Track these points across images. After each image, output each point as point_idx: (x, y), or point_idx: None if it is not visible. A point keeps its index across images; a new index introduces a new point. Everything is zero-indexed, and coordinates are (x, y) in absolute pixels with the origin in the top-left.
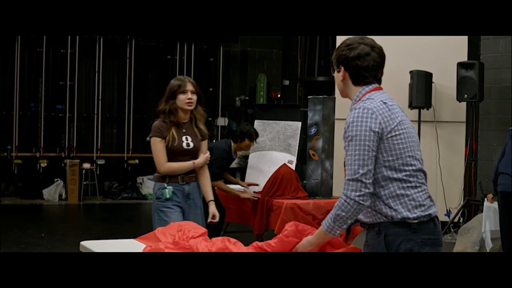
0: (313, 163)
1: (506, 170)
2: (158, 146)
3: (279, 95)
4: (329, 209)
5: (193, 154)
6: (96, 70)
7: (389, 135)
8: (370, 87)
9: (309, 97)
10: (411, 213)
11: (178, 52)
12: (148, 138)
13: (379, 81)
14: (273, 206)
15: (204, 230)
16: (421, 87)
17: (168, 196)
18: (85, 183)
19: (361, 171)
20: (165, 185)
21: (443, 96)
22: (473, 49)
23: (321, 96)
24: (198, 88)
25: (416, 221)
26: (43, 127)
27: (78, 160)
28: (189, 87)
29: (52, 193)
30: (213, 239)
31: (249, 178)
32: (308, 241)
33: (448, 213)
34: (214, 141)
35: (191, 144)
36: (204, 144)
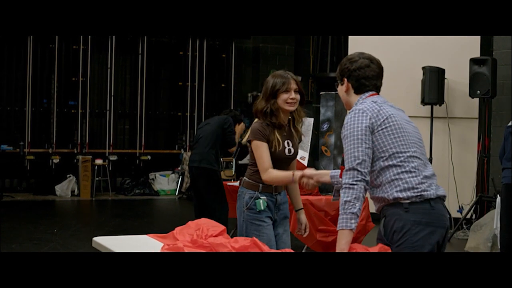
0: (325, 159)
1: (508, 164)
2: (261, 149)
3: None
4: None
5: (291, 161)
6: (109, 66)
7: (379, 128)
8: (366, 94)
9: (321, 93)
10: (401, 194)
11: (190, 48)
12: (246, 142)
13: (378, 89)
14: None
15: (223, 227)
16: (434, 83)
17: (262, 208)
18: (97, 179)
19: (356, 161)
20: (259, 194)
21: (456, 92)
22: (486, 45)
23: (333, 92)
24: (301, 85)
25: (407, 201)
26: (55, 123)
27: (91, 156)
28: (293, 85)
29: (64, 189)
30: (236, 237)
31: None
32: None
33: (460, 210)
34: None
35: (292, 150)
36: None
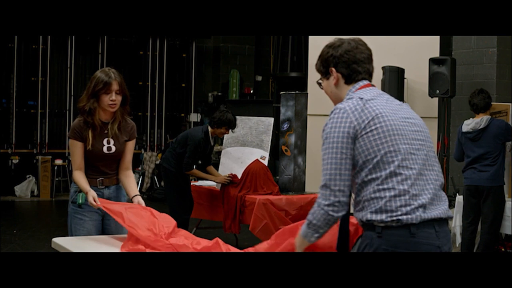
0: (285, 158)
1: (469, 166)
2: (73, 149)
3: (251, 91)
4: (301, 205)
5: (115, 158)
6: (68, 65)
7: (363, 132)
8: (357, 86)
9: (281, 92)
10: (374, 216)
11: (150, 48)
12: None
13: (371, 76)
14: (246, 202)
15: (174, 222)
16: (394, 83)
17: (81, 202)
18: (57, 179)
19: (331, 177)
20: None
21: (415, 91)
22: (445, 45)
23: (293, 92)
24: (125, 86)
25: (381, 224)
26: (14, 123)
27: (50, 156)
28: (115, 86)
29: (24, 189)
30: (199, 239)
31: (221, 174)
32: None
33: None
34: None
35: (113, 148)
36: (130, 145)
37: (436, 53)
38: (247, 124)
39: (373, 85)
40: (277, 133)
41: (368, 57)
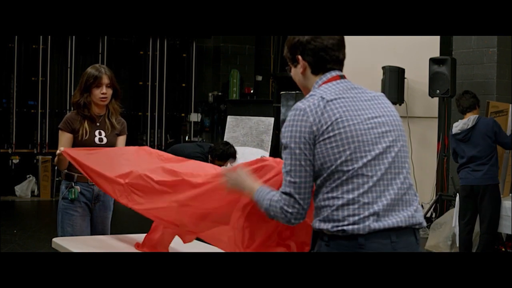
0: None
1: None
2: (61, 138)
3: (252, 91)
4: None
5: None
6: (68, 65)
7: (320, 138)
8: (324, 78)
9: (282, 92)
10: (323, 224)
11: (150, 48)
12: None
13: (341, 64)
14: None
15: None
16: (394, 83)
17: (73, 197)
18: (57, 179)
19: (296, 185)
20: (73, 184)
21: (416, 91)
22: (445, 45)
23: (293, 92)
24: (115, 80)
25: (328, 233)
26: (15, 123)
27: (51, 156)
28: (105, 80)
29: (24, 189)
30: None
31: None
32: (243, 182)
33: None
34: (186, 138)
35: (104, 140)
36: (121, 140)
37: (436, 53)
38: (247, 124)
39: (342, 77)
40: (277, 133)
41: (338, 43)
